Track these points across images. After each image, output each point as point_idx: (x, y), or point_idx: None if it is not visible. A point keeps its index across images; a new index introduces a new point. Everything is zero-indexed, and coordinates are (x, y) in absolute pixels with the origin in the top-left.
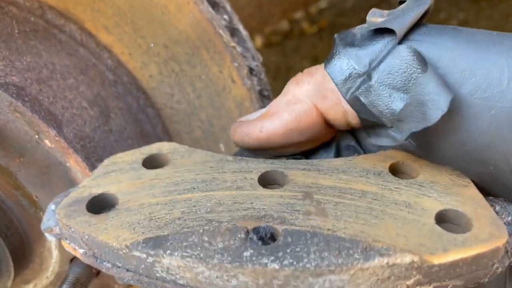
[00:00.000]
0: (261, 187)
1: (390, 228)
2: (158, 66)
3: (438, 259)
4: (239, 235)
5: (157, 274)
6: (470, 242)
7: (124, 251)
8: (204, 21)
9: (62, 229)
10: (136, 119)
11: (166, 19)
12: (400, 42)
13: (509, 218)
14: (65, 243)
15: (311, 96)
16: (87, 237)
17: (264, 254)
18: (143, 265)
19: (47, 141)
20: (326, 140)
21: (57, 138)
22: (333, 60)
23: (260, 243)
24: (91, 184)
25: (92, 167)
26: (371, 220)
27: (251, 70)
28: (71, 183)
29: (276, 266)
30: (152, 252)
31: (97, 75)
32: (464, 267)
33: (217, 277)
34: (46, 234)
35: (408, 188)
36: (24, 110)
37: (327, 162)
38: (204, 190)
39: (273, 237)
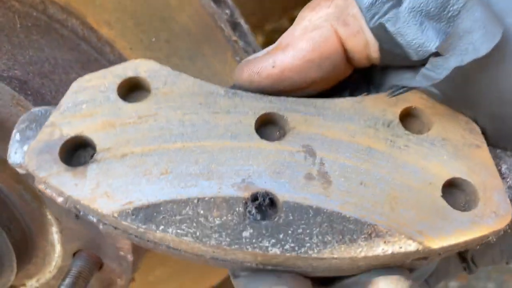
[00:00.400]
0: (259, 137)
1: (395, 203)
2: (160, 61)
3: (441, 244)
4: (237, 209)
5: (149, 239)
6: (474, 226)
7: (111, 219)
8: (205, 15)
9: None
10: None
11: (167, 13)
12: None
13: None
14: (40, 187)
15: (330, 20)
16: (67, 196)
17: (265, 235)
18: (133, 231)
19: None
20: (345, 77)
21: None
22: None
23: (259, 216)
24: (60, 120)
25: None
26: (376, 189)
27: None
28: None
29: (277, 251)
30: (143, 226)
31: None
32: (462, 245)
33: (214, 252)
34: (17, 169)
35: (417, 147)
36: (27, 104)
37: (333, 103)
38: (194, 138)
39: (272, 203)
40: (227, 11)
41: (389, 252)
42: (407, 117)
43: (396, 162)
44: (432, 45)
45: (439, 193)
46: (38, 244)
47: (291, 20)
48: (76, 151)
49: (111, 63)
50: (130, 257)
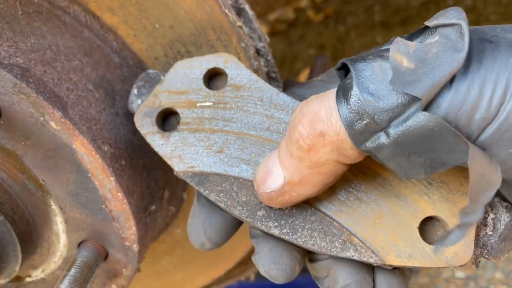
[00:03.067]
0: None
1: (378, 222)
2: (163, 47)
3: (399, 264)
4: None
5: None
6: (434, 258)
7: (178, 174)
8: (210, 0)
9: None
10: None
11: None
12: (428, 105)
13: (490, 231)
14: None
15: (333, 158)
16: (155, 150)
17: (272, 218)
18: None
19: (52, 123)
20: None
21: (62, 120)
22: (347, 107)
23: None
24: (161, 92)
25: (99, 149)
26: (368, 207)
27: (258, 51)
28: (77, 165)
29: (276, 232)
30: (196, 187)
31: (102, 58)
32: (419, 268)
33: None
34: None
35: (416, 183)
36: (29, 92)
37: None
38: (248, 129)
39: None
40: None
41: (355, 258)
42: None
43: (392, 191)
44: (421, 175)
45: (417, 224)
46: (43, 234)
47: (295, 10)
48: (167, 118)
49: (114, 50)
50: (135, 247)
